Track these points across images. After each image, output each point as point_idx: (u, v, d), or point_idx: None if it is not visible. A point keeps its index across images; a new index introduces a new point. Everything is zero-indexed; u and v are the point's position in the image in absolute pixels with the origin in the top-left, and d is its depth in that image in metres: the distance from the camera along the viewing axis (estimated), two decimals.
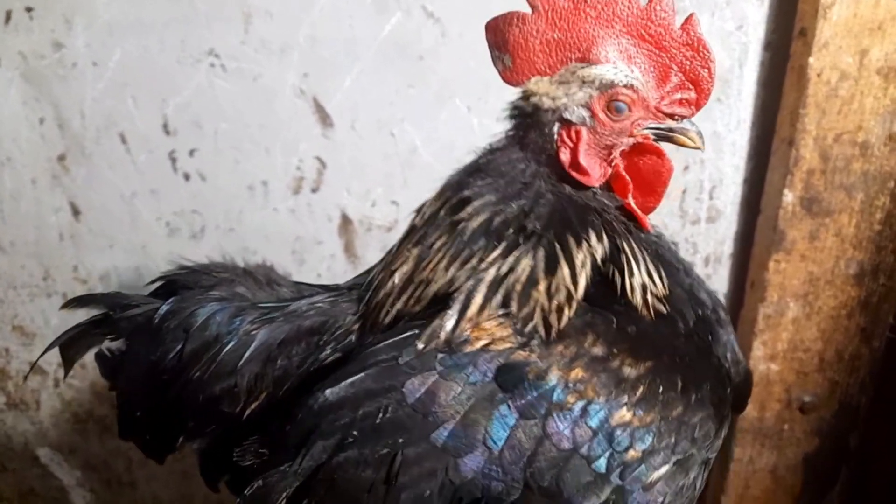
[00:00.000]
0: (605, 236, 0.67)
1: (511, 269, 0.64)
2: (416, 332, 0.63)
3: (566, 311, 0.63)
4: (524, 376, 0.60)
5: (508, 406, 0.59)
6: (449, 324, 0.63)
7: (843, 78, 1.21)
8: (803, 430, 1.53)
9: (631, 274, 0.66)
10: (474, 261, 0.65)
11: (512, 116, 0.71)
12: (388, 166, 1.36)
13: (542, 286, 0.64)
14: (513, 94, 0.73)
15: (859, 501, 1.58)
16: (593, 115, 0.66)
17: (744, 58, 1.29)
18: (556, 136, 0.68)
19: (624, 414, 0.60)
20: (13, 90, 1.31)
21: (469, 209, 0.67)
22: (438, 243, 0.68)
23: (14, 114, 1.32)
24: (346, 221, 1.41)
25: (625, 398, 0.61)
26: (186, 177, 1.37)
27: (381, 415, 0.60)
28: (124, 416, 0.80)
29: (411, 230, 0.73)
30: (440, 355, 0.61)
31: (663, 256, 0.72)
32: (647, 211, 0.71)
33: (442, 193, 0.72)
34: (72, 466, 1.64)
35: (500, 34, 0.67)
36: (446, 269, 0.66)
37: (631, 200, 0.70)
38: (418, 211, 0.75)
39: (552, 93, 0.66)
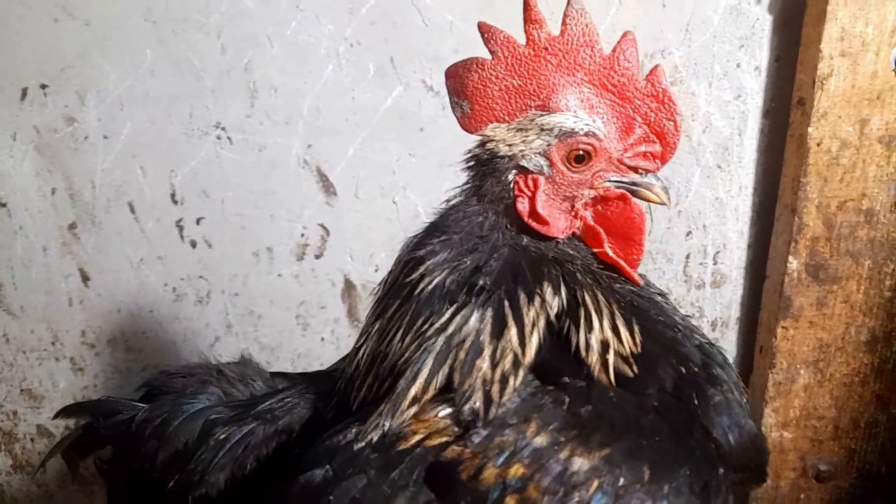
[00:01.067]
0: (563, 288, 0.61)
1: (455, 334, 0.59)
2: (354, 430, 0.60)
3: (511, 382, 0.57)
4: (457, 478, 0.54)
5: None
6: (387, 422, 0.58)
7: (843, 147, 1.21)
8: (821, 498, 1.48)
9: (589, 329, 0.59)
10: (424, 327, 0.61)
11: (469, 167, 0.67)
12: (390, 232, 1.38)
13: (486, 352, 0.58)
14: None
15: None
16: (552, 164, 0.63)
17: (743, 126, 1.29)
18: (512, 185, 0.64)
19: None
20: (27, 162, 1.35)
21: (422, 269, 0.62)
22: (395, 312, 0.64)
23: (27, 185, 1.36)
24: (349, 286, 1.42)
25: (575, 498, 0.52)
26: (193, 244, 1.39)
27: None
28: None
29: (376, 303, 0.69)
30: (373, 456, 0.57)
31: (639, 307, 0.65)
32: (633, 262, 0.67)
33: (399, 258, 0.68)
34: None
35: (459, 80, 0.65)
36: (402, 339, 0.62)
37: (609, 251, 0.66)
38: (383, 282, 0.71)
39: (509, 139, 0.63)
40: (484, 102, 0.64)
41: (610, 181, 0.64)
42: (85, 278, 1.42)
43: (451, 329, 0.60)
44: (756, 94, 1.29)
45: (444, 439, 0.56)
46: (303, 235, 1.39)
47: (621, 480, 0.53)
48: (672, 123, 0.62)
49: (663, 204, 0.64)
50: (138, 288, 1.42)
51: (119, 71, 1.29)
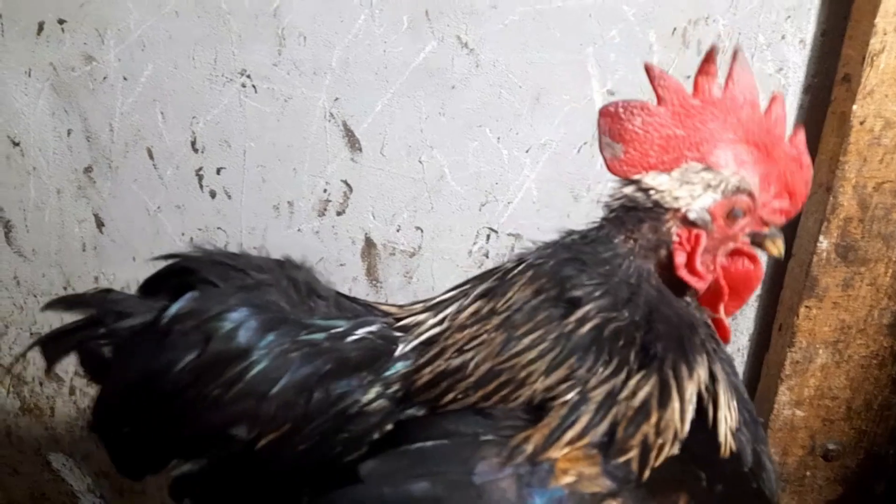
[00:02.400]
0: (707, 362, 0.62)
1: (622, 392, 0.58)
2: (492, 441, 0.56)
3: (666, 450, 0.57)
4: None
5: None
6: (539, 439, 0.56)
7: (887, 126, 1.18)
8: (826, 477, 1.50)
9: (720, 408, 0.60)
10: (580, 372, 0.59)
11: (616, 207, 0.66)
12: (414, 192, 1.35)
13: (653, 419, 0.57)
14: (611, 184, 0.68)
15: None
16: (714, 220, 0.63)
17: None
18: (674, 237, 0.64)
19: None
20: (42, 101, 1.30)
21: (580, 313, 0.60)
22: (532, 338, 0.60)
23: (42, 124, 1.32)
24: (369, 245, 1.40)
25: None
26: (213, 194, 1.36)
27: None
28: (104, 426, 0.68)
29: (488, 310, 0.64)
30: (521, 484, 0.54)
31: (730, 379, 0.66)
32: (728, 315, 0.68)
33: (535, 279, 0.63)
34: (84, 473, 1.64)
35: (617, 121, 0.64)
36: (546, 374, 0.59)
37: (722, 310, 0.67)
38: (492, 289, 0.65)
39: (675, 191, 0.63)
40: (641, 148, 0.63)
41: (747, 235, 0.66)
42: (100, 224, 1.39)
43: (616, 385, 0.58)
44: (799, 68, 1.25)
45: (597, 489, 0.55)
46: (325, 191, 1.36)
47: None
48: (804, 185, 0.65)
49: (780, 256, 0.66)
50: (154, 236, 1.40)
51: (142, 9, 1.23)
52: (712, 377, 0.61)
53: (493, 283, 0.66)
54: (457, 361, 0.61)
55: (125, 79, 1.28)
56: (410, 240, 1.39)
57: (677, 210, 0.63)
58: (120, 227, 1.39)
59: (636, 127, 0.63)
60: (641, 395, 0.58)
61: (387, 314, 0.70)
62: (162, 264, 0.69)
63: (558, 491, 0.54)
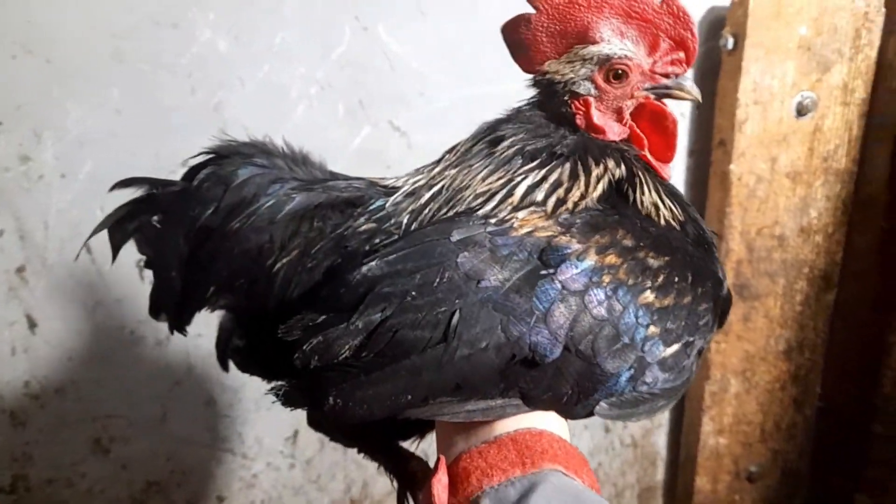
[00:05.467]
0: (622, 164, 0.77)
1: (543, 178, 0.74)
2: (463, 218, 0.72)
3: (584, 203, 0.74)
4: (566, 257, 0.68)
5: (552, 279, 0.67)
6: (491, 205, 0.72)
7: (759, 181, 1.41)
8: (752, 498, 1.64)
9: (643, 193, 0.76)
10: (510, 173, 0.75)
11: (533, 87, 0.82)
12: None
13: (564, 186, 0.74)
14: None
15: None
16: (597, 86, 0.78)
17: (672, 165, 1.46)
18: (569, 105, 0.79)
19: (647, 296, 0.69)
20: None
21: (505, 143, 0.77)
22: (476, 164, 0.77)
23: None
24: None
25: (648, 283, 0.70)
26: None
27: (438, 279, 0.66)
28: (158, 283, 0.82)
29: (446, 162, 0.80)
30: (489, 236, 0.70)
31: (675, 194, 0.82)
32: (666, 160, 0.82)
33: (475, 136, 0.81)
34: None
35: (513, 34, 0.79)
36: (485, 178, 0.76)
37: (647, 153, 0.80)
38: (451, 150, 0.82)
39: (561, 70, 0.78)
40: (536, 48, 0.78)
41: (646, 89, 0.78)
42: (32, 325, 1.35)
43: (536, 172, 0.75)
44: (682, 136, 1.47)
45: (550, 233, 0.70)
46: None
47: (676, 279, 0.71)
48: (689, 32, 0.75)
49: (696, 99, 0.78)
50: (92, 333, 1.36)
51: (82, 109, 1.26)
52: (633, 175, 0.77)
53: (449, 149, 0.83)
54: (428, 194, 0.77)
55: (63, 176, 1.29)
56: None
57: (564, 83, 0.78)
58: (54, 327, 1.35)
59: (526, 34, 0.79)
60: (554, 175, 0.75)
61: (374, 183, 0.86)
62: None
63: (519, 237, 0.70)
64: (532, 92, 0.83)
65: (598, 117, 0.79)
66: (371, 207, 0.78)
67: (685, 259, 0.74)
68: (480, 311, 0.66)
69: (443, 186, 0.78)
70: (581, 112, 0.79)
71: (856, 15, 1.34)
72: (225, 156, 0.83)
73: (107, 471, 1.45)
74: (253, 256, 0.77)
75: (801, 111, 1.38)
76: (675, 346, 0.71)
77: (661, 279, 0.71)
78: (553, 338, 0.66)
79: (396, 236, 0.75)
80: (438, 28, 1.32)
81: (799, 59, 1.35)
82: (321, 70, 1.32)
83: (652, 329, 0.70)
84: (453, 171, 0.78)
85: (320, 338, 0.66)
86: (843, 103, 1.39)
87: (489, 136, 0.80)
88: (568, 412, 0.72)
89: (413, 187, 0.80)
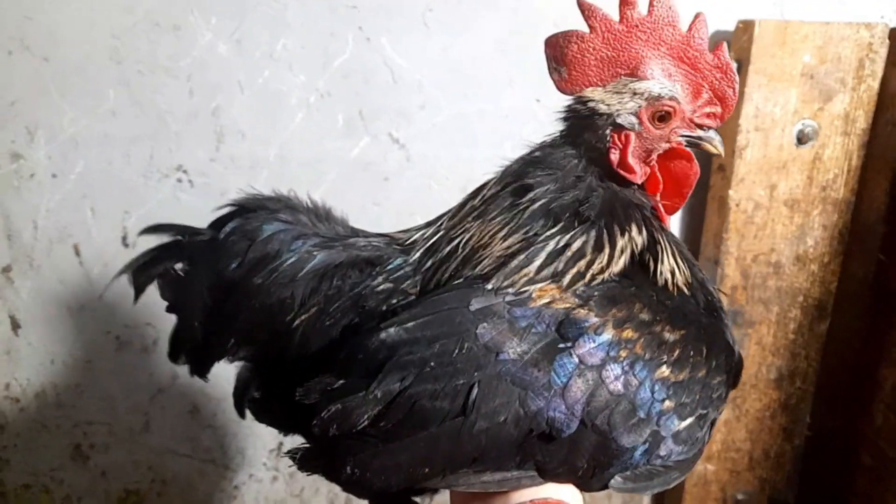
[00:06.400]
0: (644, 229, 0.76)
1: (566, 245, 0.73)
2: (481, 283, 0.71)
3: (601, 277, 0.72)
4: (584, 330, 0.68)
5: (570, 353, 0.67)
6: (508, 271, 0.71)
7: (757, 207, 1.40)
8: None
9: (662, 262, 0.76)
10: (531, 234, 0.74)
11: (567, 118, 0.79)
12: None
13: (587, 259, 0.73)
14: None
15: None
16: (641, 122, 0.75)
17: None
18: (608, 138, 0.76)
19: (663, 370, 0.69)
20: None
21: (531, 195, 0.75)
22: (498, 218, 0.76)
23: None
24: None
25: (664, 357, 0.70)
26: None
27: (457, 350, 0.66)
28: (180, 330, 0.82)
29: (470, 208, 0.79)
30: (508, 306, 0.69)
31: (684, 253, 0.82)
32: (671, 211, 0.81)
33: (502, 179, 0.79)
34: None
35: (558, 49, 0.76)
36: (505, 238, 0.74)
37: (658, 199, 0.79)
38: (476, 193, 0.80)
39: (607, 100, 0.75)
40: (581, 69, 0.76)
41: (681, 136, 0.77)
42: (15, 326, 1.32)
43: (559, 239, 0.73)
44: None
45: (569, 304, 0.69)
46: None
47: (691, 352, 0.72)
48: (731, 90, 0.75)
49: (720, 153, 0.78)
50: (76, 336, 1.34)
51: (77, 109, 1.25)
52: (654, 242, 0.76)
53: (474, 191, 0.81)
54: (447, 248, 0.77)
55: (54, 176, 1.27)
56: None
57: (609, 115, 0.76)
58: (38, 329, 1.33)
59: (574, 52, 0.76)
60: (577, 244, 0.73)
61: (394, 238, 0.85)
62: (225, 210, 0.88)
63: (538, 309, 0.69)
64: (559, 115, 0.80)
65: (632, 155, 0.76)
66: (389, 267, 0.78)
67: (699, 332, 0.74)
68: (499, 384, 0.66)
69: (461, 242, 0.77)
70: (619, 147, 0.76)
71: (860, 45, 1.35)
72: (251, 209, 0.83)
73: (85, 478, 1.42)
74: (274, 312, 0.77)
75: (801, 139, 1.37)
76: (690, 420, 0.71)
77: (676, 353, 0.71)
78: (570, 412, 0.66)
79: (413, 296, 0.75)
80: (442, 42, 1.31)
81: (802, 86, 1.35)
82: (322, 79, 1.31)
83: (667, 403, 0.69)
84: (475, 225, 0.77)
85: (339, 405, 0.65)
86: (843, 133, 1.39)
87: (516, 183, 0.77)
88: (583, 485, 0.72)
89: (432, 241, 0.79)
